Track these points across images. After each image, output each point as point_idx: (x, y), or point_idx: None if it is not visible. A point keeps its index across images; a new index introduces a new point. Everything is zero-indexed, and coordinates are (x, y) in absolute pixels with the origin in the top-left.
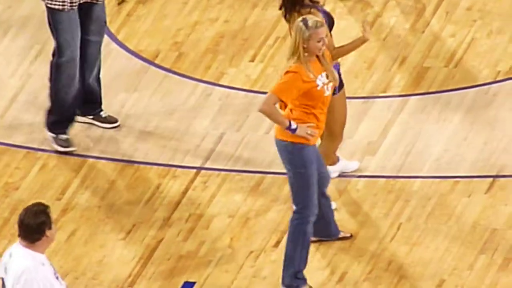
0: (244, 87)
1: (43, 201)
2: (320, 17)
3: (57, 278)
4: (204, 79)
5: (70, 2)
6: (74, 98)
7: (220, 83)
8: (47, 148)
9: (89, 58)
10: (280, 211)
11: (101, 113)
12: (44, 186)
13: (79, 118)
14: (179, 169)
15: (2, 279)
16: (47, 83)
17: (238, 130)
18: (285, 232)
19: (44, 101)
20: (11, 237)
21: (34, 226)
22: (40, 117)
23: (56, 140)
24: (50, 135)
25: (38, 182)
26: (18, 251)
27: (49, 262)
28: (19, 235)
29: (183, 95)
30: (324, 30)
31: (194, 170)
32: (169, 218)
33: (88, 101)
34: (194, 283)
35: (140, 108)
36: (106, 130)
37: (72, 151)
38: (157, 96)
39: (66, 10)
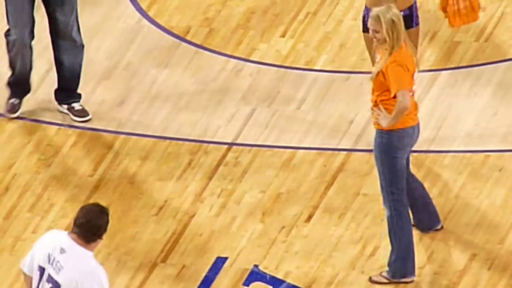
0: (275, 63)
1: (75, 177)
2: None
3: None
4: (235, 55)
5: None
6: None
7: (251, 58)
8: (79, 124)
9: (61, 39)
10: (311, 186)
11: (75, 104)
12: (76, 163)
13: (57, 107)
14: (211, 145)
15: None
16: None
17: (269, 106)
18: (317, 207)
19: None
20: (44, 214)
21: (96, 226)
22: None
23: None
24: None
25: (70, 158)
26: (75, 249)
27: None
28: (74, 232)
29: (214, 71)
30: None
31: (226, 146)
32: (201, 194)
33: (62, 88)
34: (226, 258)
35: (171, 84)
36: (138, 106)
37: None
38: (188, 72)
39: None
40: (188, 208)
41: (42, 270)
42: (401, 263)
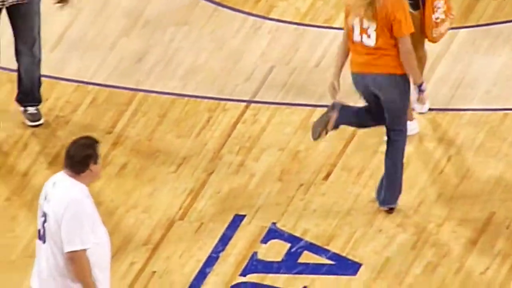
0: (294, 20)
1: (93, 134)
2: None
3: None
4: (254, 12)
5: None
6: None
7: (270, 16)
8: (97, 81)
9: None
10: (330, 145)
11: (29, 108)
12: (95, 120)
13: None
14: (229, 103)
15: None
16: (97, 20)
17: (288, 63)
18: (335, 165)
19: (94, 37)
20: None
21: (79, 158)
22: (90, 52)
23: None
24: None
25: (89, 115)
26: (64, 180)
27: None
28: (64, 165)
29: (233, 29)
30: None
31: (244, 104)
32: (219, 151)
33: (22, 89)
34: (244, 216)
35: (190, 42)
36: (157, 64)
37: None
38: (207, 29)
39: None
40: (206, 165)
41: (41, 210)
42: (396, 191)
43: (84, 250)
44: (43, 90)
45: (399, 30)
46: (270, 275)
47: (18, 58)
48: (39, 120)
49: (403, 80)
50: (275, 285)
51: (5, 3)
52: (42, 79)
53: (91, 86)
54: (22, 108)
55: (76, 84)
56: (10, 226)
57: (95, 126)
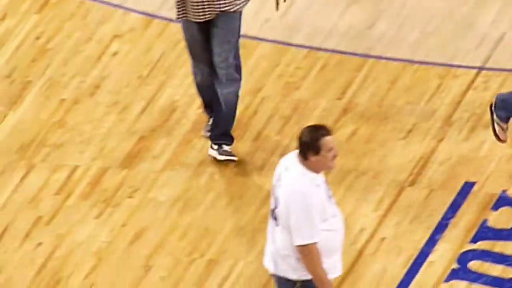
0: None
1: (323, 100)
2: None
3: (329, 198)
4: None
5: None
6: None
7: None
8: (328, 47)
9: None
10: None
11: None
12: (325, 86)
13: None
14: (460, 69)
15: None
16: None
17: None
18: None
19: (323, 4)
20: (291, 138)
21: (305, 144)
22: (319, 20)
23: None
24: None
25: (319, 81)
26: (295, 167)
27: (325, 182)
28: (298, 150)
29: None
30: None
31: (475, 70)
32: (449, 118)
33: (217, 124)
34: (474, 183)
35: (421, 8)
36: (387, 30)
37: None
38: None
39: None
40: (436, 132)
41: (273, 188)
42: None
43: (314, 243)
44: (275, 55)
45: None
46: (500, 242)
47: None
48: (232, 155)
49: None
50: (506, 252)
51: None
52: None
53: (321, 52)
54: (215, 146)
55: (306, 50)
56: None
57: (325, 92)
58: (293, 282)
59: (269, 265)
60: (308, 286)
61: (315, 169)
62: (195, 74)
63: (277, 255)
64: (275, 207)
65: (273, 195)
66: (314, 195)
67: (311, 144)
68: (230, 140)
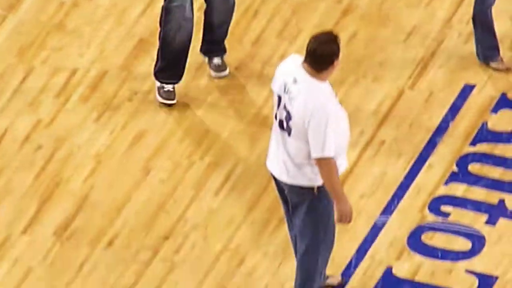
0: None
1: (322, 3)
2: None
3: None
4: None
5: None
6: (183, 45)
7: None
8: None
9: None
10: None
11: (215, 59)
12: None
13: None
14: None
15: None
16: None
17: None
18: None
19: None
20: (291, 39)
21: (324, 56)
22: None
23: (159, 90)
24: (156, 83)
25: None
26: (306, 81)
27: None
28: (306, 60)
29: None
30: None
31: None
32: (449, 21)
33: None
34: (474, 85)
35: None
36: None
37: (171, 104)
38: None
39: None
40: (436, 35)
41: (279, 97)
42: None
43: (331, 156)
44: None
45: None
46: (500, 145)
47: None
48: (225, 69)
49: None
50: (506, 155)
51: None
52: None
53: None
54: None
55: None
56: None
57: None
58: (308, 189)
59: (281, 175)
60: (325, 191)
61: (328, 75)
62: None
63: (291, 164)
64: (287, 119)
65: (281, 106)
66: (330, 105)
67: (328, 57)
68: (222, 50)
